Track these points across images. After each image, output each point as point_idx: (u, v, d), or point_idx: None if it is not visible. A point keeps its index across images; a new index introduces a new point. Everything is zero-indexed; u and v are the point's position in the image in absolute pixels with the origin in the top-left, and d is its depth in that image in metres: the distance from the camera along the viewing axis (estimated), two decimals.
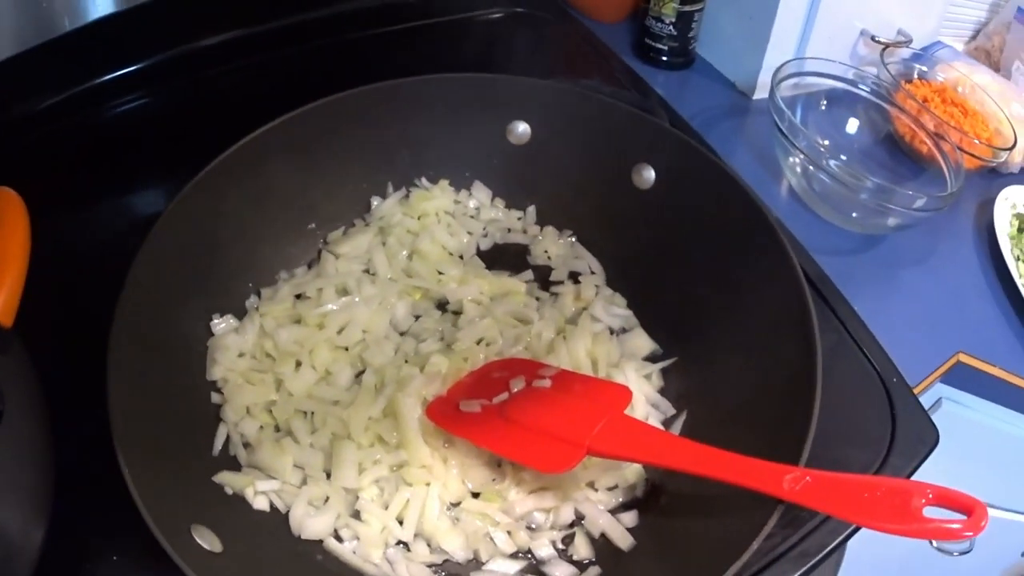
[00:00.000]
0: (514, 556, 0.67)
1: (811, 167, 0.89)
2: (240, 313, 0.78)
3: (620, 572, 0.65)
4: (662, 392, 0.76)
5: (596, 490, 0.70)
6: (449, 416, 0.70)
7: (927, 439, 0.74)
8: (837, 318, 0.80)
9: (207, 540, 0.59)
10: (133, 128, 0.96)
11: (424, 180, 0.87)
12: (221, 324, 0.76)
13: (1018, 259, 0.94)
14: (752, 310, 0.71)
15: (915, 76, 1.08)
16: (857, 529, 0.68)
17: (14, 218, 0.57)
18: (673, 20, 1.02)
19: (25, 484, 0.60)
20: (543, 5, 1.13)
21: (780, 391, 0.65)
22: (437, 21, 1.11)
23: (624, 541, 0.67)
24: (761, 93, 1.02)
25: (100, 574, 0.66)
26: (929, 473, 0.69)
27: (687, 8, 1.02)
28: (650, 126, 0.80)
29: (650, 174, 0.79)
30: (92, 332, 0.63)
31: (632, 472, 0.70)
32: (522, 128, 0.84)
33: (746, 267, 0.72)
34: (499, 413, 0.68)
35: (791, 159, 0.92)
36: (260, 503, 0.67)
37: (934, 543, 1.26)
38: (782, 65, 0.94)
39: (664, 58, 1.06)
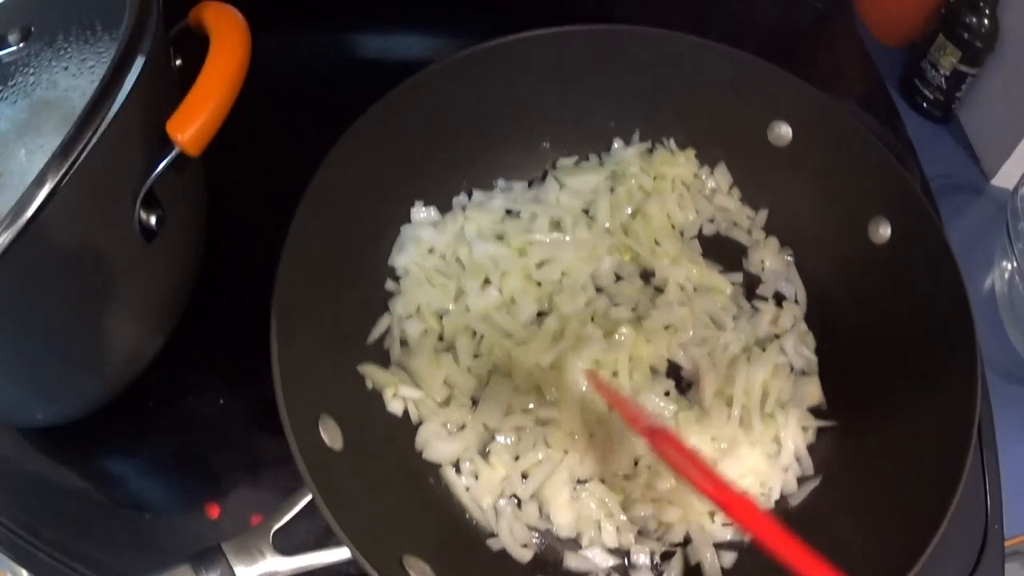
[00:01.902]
0: (611, 551, 0.66)
1: (1020, 280, 0.82)
2: (445, 207, 0.77)
3: None
4: (810, 450, 0.72)
5: (714, 521, 0.68)
6: (612, 390, 0.67)
7: None
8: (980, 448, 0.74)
9: (331, 435, 0.60)
10: None
11: (672, 142, 0.83)
12: (422, 213, 0.75)
13: None
14: (920, 410, 0.67)
15: None
16: None
17: (232, 43, 0.49)
18: (947, 74, 0.96)
19: (161, 295, 0.63)
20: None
21: (910, 503, 0.62)
22: None
23: None
24: (1001, 181, 0.97)
25: (200, 403, 0.70)
26: None
27: (964, 68, 0.95)
28: (905, 185, 0.74)
29: (886, 231, 0.74)
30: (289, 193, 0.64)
31: None
32: (785, 129, 0.79)
33: (931, 364, 0.68)
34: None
35: (1004, 263, 0.86)
36: (395, 406, 0.68)
37: None
38: None
39: (925, 105, 0.99)
